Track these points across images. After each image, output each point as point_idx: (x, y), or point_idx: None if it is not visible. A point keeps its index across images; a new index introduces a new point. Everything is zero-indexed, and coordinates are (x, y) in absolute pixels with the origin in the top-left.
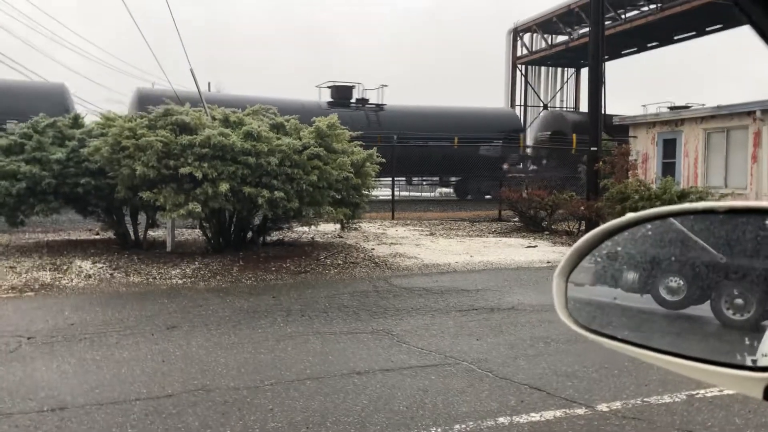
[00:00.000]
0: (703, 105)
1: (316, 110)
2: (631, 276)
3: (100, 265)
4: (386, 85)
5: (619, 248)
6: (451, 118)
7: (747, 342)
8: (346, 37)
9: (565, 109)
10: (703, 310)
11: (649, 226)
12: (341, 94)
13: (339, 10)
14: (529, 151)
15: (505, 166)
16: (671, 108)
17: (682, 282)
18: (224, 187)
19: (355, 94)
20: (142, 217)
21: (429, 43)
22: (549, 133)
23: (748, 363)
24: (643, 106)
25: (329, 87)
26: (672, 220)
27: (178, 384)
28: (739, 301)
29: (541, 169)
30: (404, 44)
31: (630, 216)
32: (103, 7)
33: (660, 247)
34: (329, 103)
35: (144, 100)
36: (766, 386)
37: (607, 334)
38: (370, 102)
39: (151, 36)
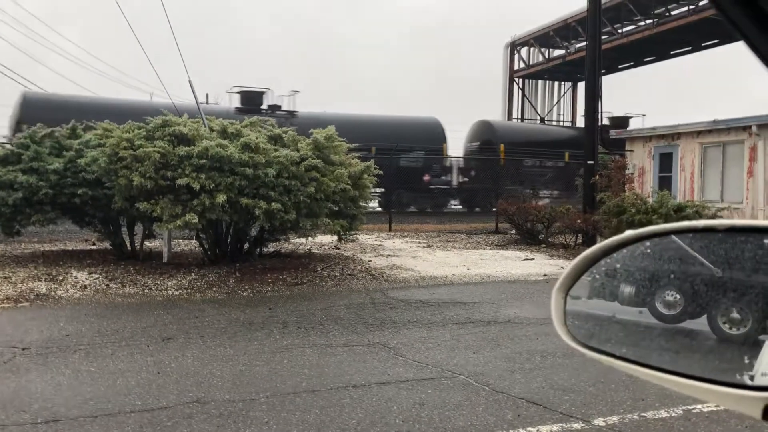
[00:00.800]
0: (644, 115)
1: (222, 116)
2: (627, 289)
3: (96, 276)
4: (298, 91)
5: (617, 265)
6: (370, 127)
7: (746, 360)
8: (352, 52)
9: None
10: (700, 324)
11: (648, 243)
12: (251, 100)
13: (344, 26)
14: (461, 162)
15: (426, 178)
16: (611, 118)
17: (678, 296)
18: (221, 198)
19: (267, 100)
20: (138, 228)
21: (435, 57)
22: (478, 143)
23: (747, 382)
24: (582, 116)
25: (239, 92)
26: (672, 237)
27: (173, 396)
28: (736, 315)
29: (471, 181)
30: (411, 58)
31: (629, 233)
32: (102, 16)
33: (659, 264)
34: (238, 109)
35: (27, 107)
36: (765, 405)
37: (605, 351)
38: (281, 108)
39: (152, 49)
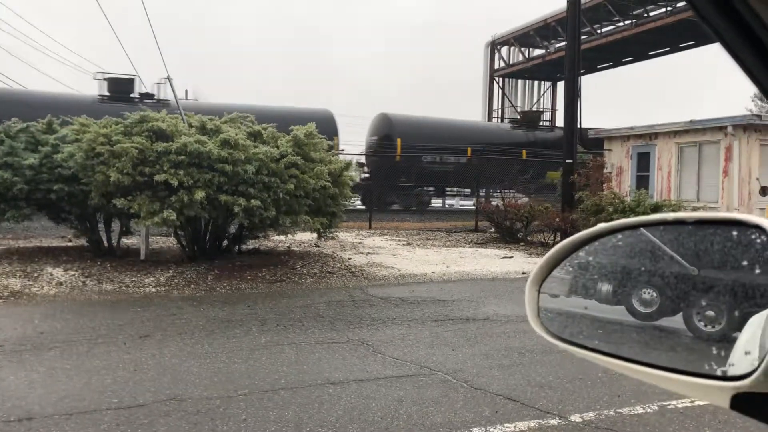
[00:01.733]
0: (557, 110)
1: (86, 105)
2: (605, 288)
3: (72, 273)
4: (171, 79)
5: (590, 258)
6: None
7: (714, 352)
8: (336, 49)
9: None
10: (676, 321)
11: (619, 236)
12: (119, 88)
13: (330, 25)
14: (363, 157)
15: None
16: (521, 113)
17: (655, 294)
18: (200, 195)
19: (138, 88)
20: (116, 225)
21: (420, 55)
22: (376, 137)
23: (716, 372)
24: (495, 110)
25: (106, 79)
26: (643, 230)
27: (149, 394)
28: (710, 312)
29: (371, 177)
30: (396, 56)
31: (601, 226)
32: (81, 12)
33: (630, 257)
34: (104, 97)
35: None
36: (732, 395)
37: (577, 343)
38: (153, 97)
39: (131, 45)
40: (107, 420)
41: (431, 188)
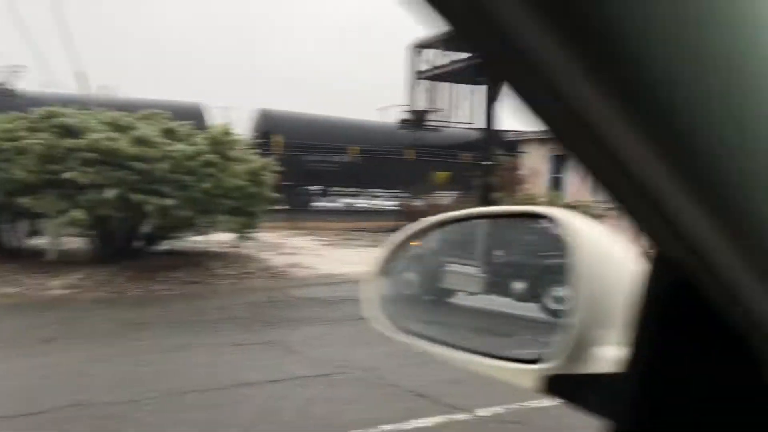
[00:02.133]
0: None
1: None
2: (519, 285)
3: None
4: (24, 66)
5: (419, 251)
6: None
7: (529, 337)
8: (275, 48)
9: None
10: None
11: (449, 228)
12: None
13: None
14: None
15: None
16: (412, 112)
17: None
18: (111, 193)
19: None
20: (24, 225)
21: (357, 56)
22: (257, 134)
23: (521, 356)
24: (382, 110)
25: None
26: (472, 221)
27: (53, 399)
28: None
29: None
30: (332, 55)
31: (429, 219)
32: None
33: (458, 247)
34: None
35: None
36: (544, 378)
37: (410, 332)
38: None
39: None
40: (4, 428)
41: (317, 187)
